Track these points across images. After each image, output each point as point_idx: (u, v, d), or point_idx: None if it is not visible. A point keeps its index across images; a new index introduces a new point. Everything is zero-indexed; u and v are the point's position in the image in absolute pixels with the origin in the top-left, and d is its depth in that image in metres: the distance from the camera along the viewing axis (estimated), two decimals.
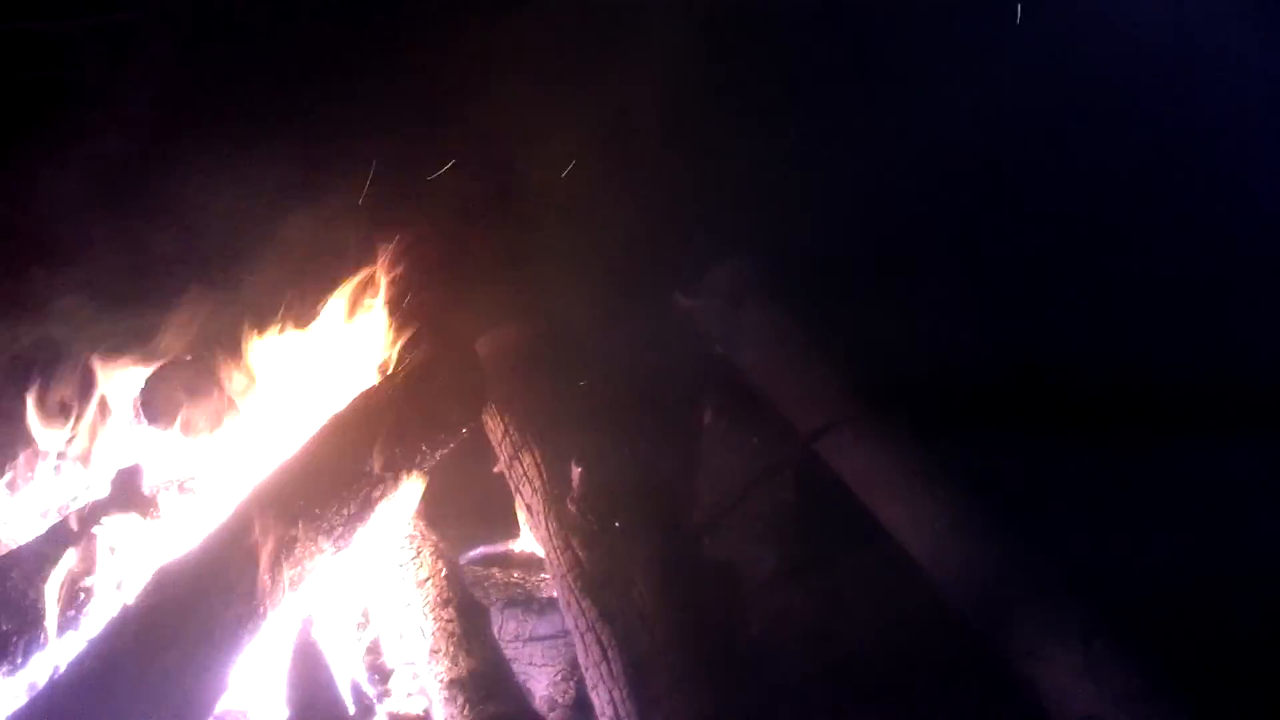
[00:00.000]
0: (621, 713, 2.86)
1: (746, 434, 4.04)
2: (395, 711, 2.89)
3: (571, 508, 3.20)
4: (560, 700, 3.31)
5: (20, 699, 2.66)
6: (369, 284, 3.52)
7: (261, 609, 2.69)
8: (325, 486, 2.92)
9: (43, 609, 2.70)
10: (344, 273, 3.54)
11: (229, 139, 4.20)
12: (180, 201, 4.27)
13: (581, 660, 3.02)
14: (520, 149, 4.33)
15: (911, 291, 4.12)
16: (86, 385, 3.31)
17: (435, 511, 3.39)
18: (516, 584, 3.55)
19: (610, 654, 2.93)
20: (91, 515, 2.94)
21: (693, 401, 4.16)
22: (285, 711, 2.77)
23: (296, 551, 2.80)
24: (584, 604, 3.04)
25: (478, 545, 3.69)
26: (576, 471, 3.24)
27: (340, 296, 3.48)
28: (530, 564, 3.60)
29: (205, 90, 4.51)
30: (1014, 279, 4.15)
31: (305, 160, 4.21)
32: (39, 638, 2.70)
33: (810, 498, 3.80)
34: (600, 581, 3.04)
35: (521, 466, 3.44)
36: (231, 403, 3.26)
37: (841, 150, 4.23)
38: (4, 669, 2.65)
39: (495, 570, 3.61)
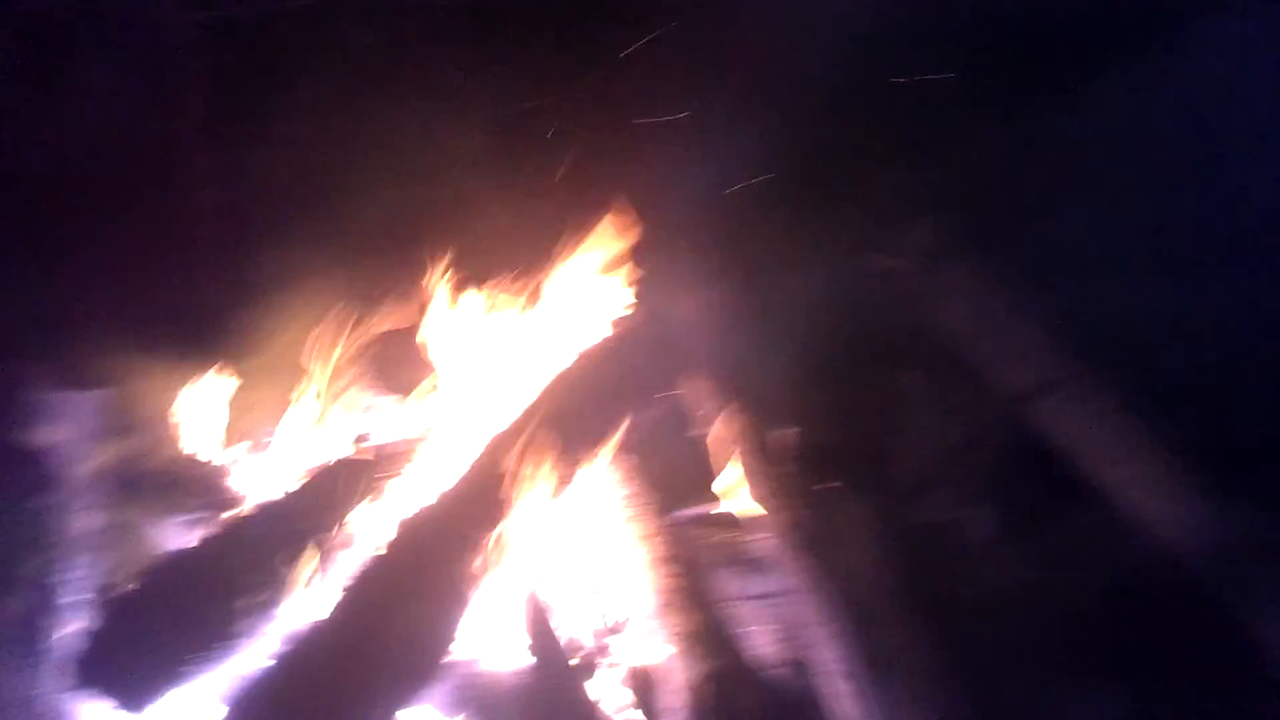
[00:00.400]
0: (853, 671, 2.89)
1: (952, 396, 3.97)
2: (623, 663, 2.95)
3: (787, 467, 3.22)
4: (777, 657, 3.33)
5: (276, 645, 2.83)
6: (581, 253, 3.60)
7: (491, 561, 2.81)
8: (549, 442, 3.01)
9: (298, 560, 2.83)
10: (554, 244, 3.62)
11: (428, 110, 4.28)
12: (382, 179, 4.37)
13: (800, 619, 3.05)
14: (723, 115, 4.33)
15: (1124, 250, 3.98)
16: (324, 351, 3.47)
17: (652, 470, 3.46)
18: (731, 543, 3.58)
19: (833, 612, 2.96)
20: (323, 475, 3.12)
21: (894, 363, 4.11)
22: (516, 657, 2.86)
23: (520, 507, 2.91)
24: (803, 563, 3.07)
25: (692, 505, 3.73)
26: (791, 431, 3.25)
27: (554, 266, 3.57)
28: (744, 524, 3.63)
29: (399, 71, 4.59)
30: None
31: (507, 130, 4.27)
32: (284, 589, 2.84)
33: (1022, 459, 3.72)
34: (819, 541, 3.06)
35: (735, 426, 3.47)
36: (457, 365, 3.38)
37: (1044, 100, 4.09)
38: (251, 619, 2.80)
39: (710, 529, 3.64)
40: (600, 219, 3.63)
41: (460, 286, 3.54)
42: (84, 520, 3.04)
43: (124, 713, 2.65)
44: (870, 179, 4.27)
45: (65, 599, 2.88)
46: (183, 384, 3.50)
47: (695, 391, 3.52)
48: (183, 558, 2.86)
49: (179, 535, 3.19)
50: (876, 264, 4.22)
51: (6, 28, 3.94)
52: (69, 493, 2.95)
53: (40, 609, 2.80)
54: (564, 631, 2.93)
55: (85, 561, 2.99)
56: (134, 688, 2.63)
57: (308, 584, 2.85)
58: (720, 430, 3.49)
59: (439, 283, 3.55)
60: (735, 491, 3.68)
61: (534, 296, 3.50)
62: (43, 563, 2.83)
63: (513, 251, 3.67)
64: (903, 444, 3.88)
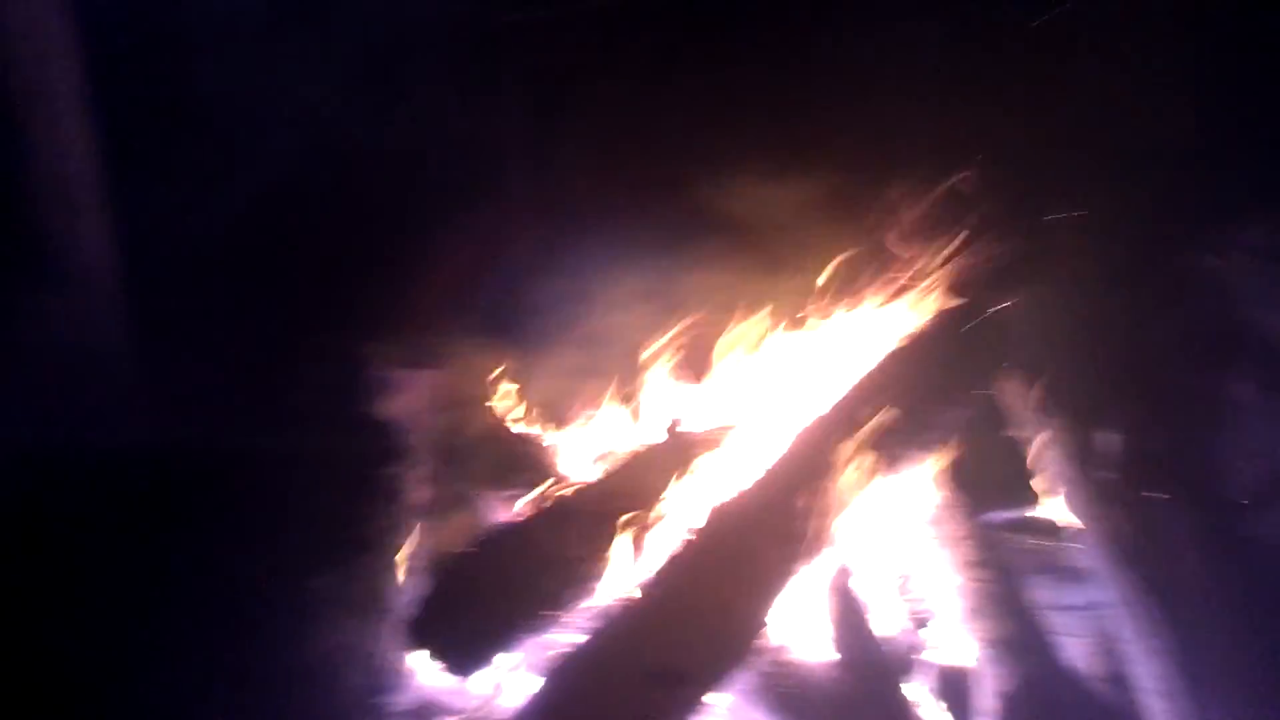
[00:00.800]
0: (1167, 690, 2.76)
1: None
2: (935, 663, 2.92)
3: (1109, 475, 3.10)
4: (1090, 671, 3.21)
5: (592, 620, 2.94)
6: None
7: (804, 552, 2.83)
8: (858, 436, 3.00)
9: (609, 540, 2.94)
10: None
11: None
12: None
13: (1121, 633, 2.93)
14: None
15: None
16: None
17: (962, 472, 3.40)
18: (1044, 551, 3.47)
19: (1157, 628, 2.83)
20: (645, 457, 3.21)
21: (1222, 369, 3.87)
22: (823, 650, 2.88)
23: (834, 500, 2.91)
24: (1126, 575, 2.95)
25: (1004, 509, 3.64)
26: (1114, 437, 3.12)
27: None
28: (1059, 531, 3.51)
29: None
30: None
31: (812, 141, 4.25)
32: (603, 569, 2.94)
33: None
34: (1144, 553, 2.93)
35: (1052, 431, 3.36)
36: (764, 357, 3.42)
37: None
38: (576, 592, 2.91)
39: (1022, 536, 3.55)
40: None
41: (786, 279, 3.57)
42: (419, 491, 3.24)
43: (452, 674, 2.83)
44: (1195, 177, 4.05)
45: (403, 564, 3.08)
46: (510, 366, 3.68)
47: (1014, 391, 3.42)
48: (507, 530, 3.04)
49: (504, 509, 3.37)
50: (1204, 264, 3.99)
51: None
52: (408, 464, 3.15)
53: (382, 572, 3.00)
54: (874, 628, 2.91)
55: (420, 529, 3.19)
56: (462, 652, 2.81)
57: (623, 563, 2.94)
58: (1039, 432, 3.39)
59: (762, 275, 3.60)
60: (1052, 497, 3.58)
61: (857, 287, 3.48)
62: (385, 529, 3.03)
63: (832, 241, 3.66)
64: (1234, 454, 3.66)
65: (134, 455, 3.35)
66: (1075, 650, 3.17)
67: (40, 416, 3.60)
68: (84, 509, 3.38)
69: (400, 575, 3.07)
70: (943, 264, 3.42)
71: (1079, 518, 3.18)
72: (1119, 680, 3.04)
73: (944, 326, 3.31)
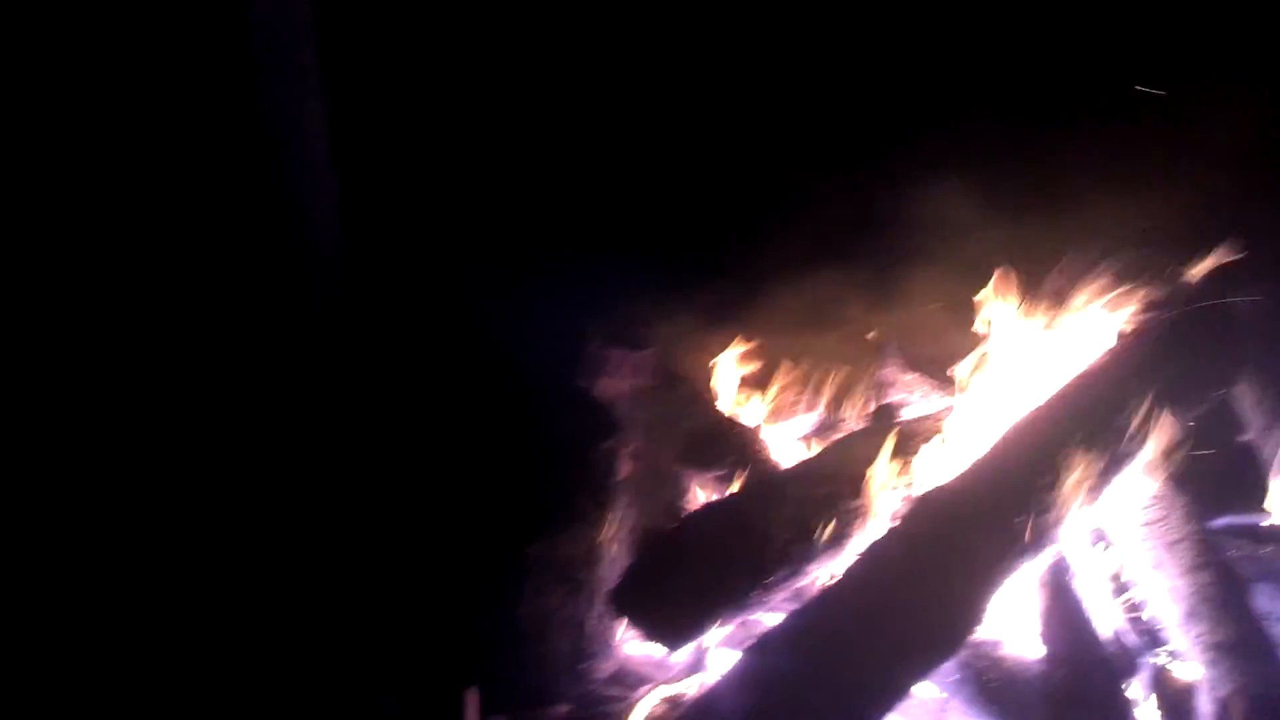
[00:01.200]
0: None
1: None
2: (1160, 666, 2.84)
3: None
4: None
5: (791, 603, 2.96)
6: None
7: (1018, 548, 2.78)
8: (1081, 435, 2.93)
9: (819, 524, 2.95)
10: None
11: None
12: None
13: None
14: None
15: None
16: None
17: (1181, 474, 3.29)
18: (1266, 559, 3.34)
19: None
20: (851, 446, 3.21)
21: None
22: (1040, 648, 2.83)
23: (1049, 497, 2.85)
24: None
25: (1228, 514, 3.51)
26: None
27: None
28: None
29: None
30: None
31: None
32: (813, 550, 2.96)
33: None
34: None
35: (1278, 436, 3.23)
36: (990, 348, 3.38)
37: None
38: (783, 573, 2.93)
39: (1243, 542, 3.42)
40: None
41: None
42: (630, 466, 3.32)
43: (658, 644, 2.89)
44: None
45: (613, 536, 3.17)
46: (722, 349, 3.74)
47: (1246, 393, 3.30)
48: (717, 508, 3.08)
49: (713, 488, 3.42)
50: None
51: None
52: (621, 440, 3.23)
53: (592, 543, 3.09)
54: (1091, 628, 2.85)
55: (631, 504, 3.27)
56: (667, 624, 2.84)
57: (833, 547, 2.95)
58: (1257, 437, 3.26)
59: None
60: (1272, 505, 3.43)
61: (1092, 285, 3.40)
62: (597, 501, 3.12)
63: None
64: None
65: (359, 428, 3.53)
66: None
67: (280, 388, 3.83)
68: (314, 482, 3.60)
69: (610, 547, 3.16)
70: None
71: None
72: None
73: (1178, 326, 3.19)
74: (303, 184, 4.02)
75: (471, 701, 2.71)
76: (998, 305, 3.42)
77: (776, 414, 3.68)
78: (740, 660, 2.64)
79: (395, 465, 3.21)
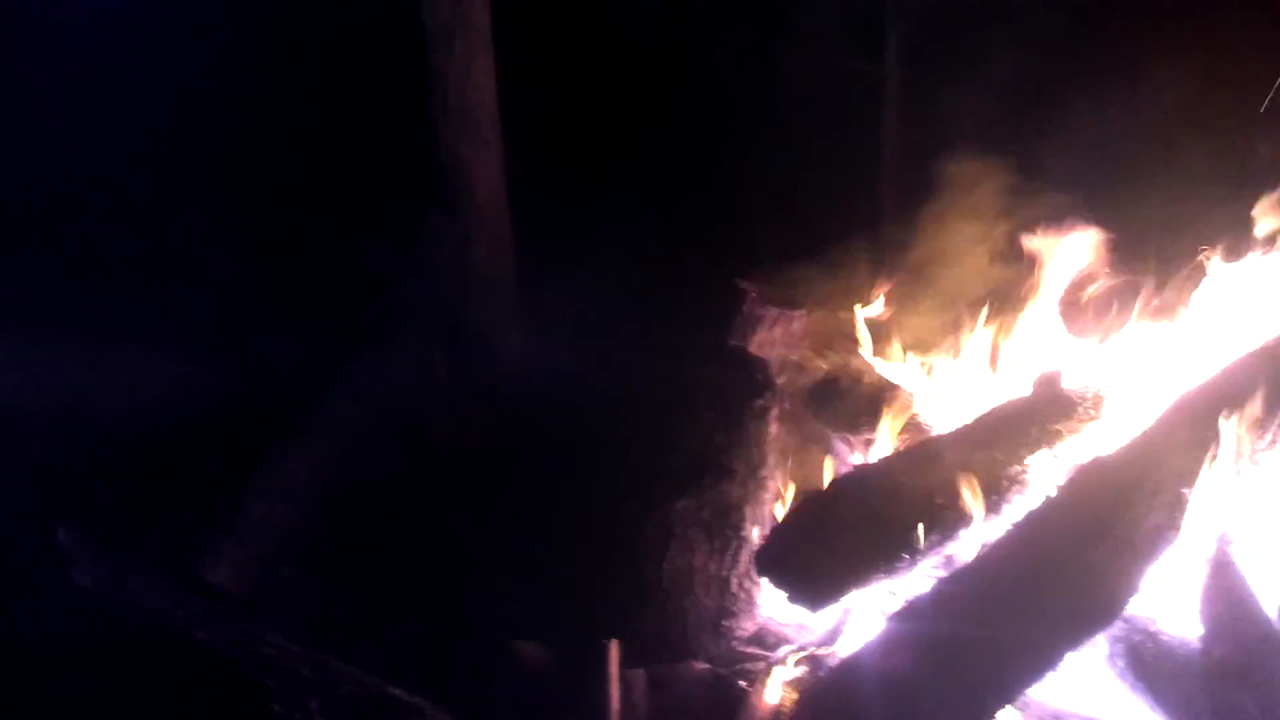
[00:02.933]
0: None
1: None
2: None
3: None
4: None
5: (942, 570, 2.91)
6: None
7: (1181, 521, 2.70)
8: (1247, 402, 2.82)
9: (970, 490, 2.89)
10: None
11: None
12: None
13: None
14: None
15: None
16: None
17: None
18: None
19: None
20: (1012, 412, 3.13)
21: None
22: (1198, 625, 2.73)
23: (1214, 469, 2.75)
24: None
25: None
26: None
27: None
28: None
29: None
30: None
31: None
32: (965, 517, 2.89)
33: None
34: None
35: None
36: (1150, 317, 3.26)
37: None
38: (934, 539, 2.88)
39: None
40: None
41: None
42: (781, 426, 3.30)
43: (799, 606, 2.87)
44: None
45: (762, 495, 3.16)
46: (871, 311, 3.68)
47: None
48: (867, 472, 3.03)
49: (863, 450, 3.38)
50: None
51: None
52: (772, 400, 3.21)
53: (740, 501, 3.09)
54: (1255, 606, 2.73)
55: (780, 463, 3.26)
56: (813, 587, 2.79)
57: (989, 514, 2.89)
58: None
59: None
60: None
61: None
62: (747, 459, 3.11)
63: None
64: None
65: (514, 376, 3.60)
66: None
67: (430, 333, 3.93)
68: (460, 425, 3.69)
69: (758, 507, 3.15)
70: None
71: None
72: None
73: None
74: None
75: (613, 652, 2.74)
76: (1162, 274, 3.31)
77: (935, 376, 3.61)
78: (885, 626, 2.62)
79: (548, 413, 3.26)
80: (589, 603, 3.01)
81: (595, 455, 3.02)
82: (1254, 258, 3.28)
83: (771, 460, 3.20)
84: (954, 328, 3.62)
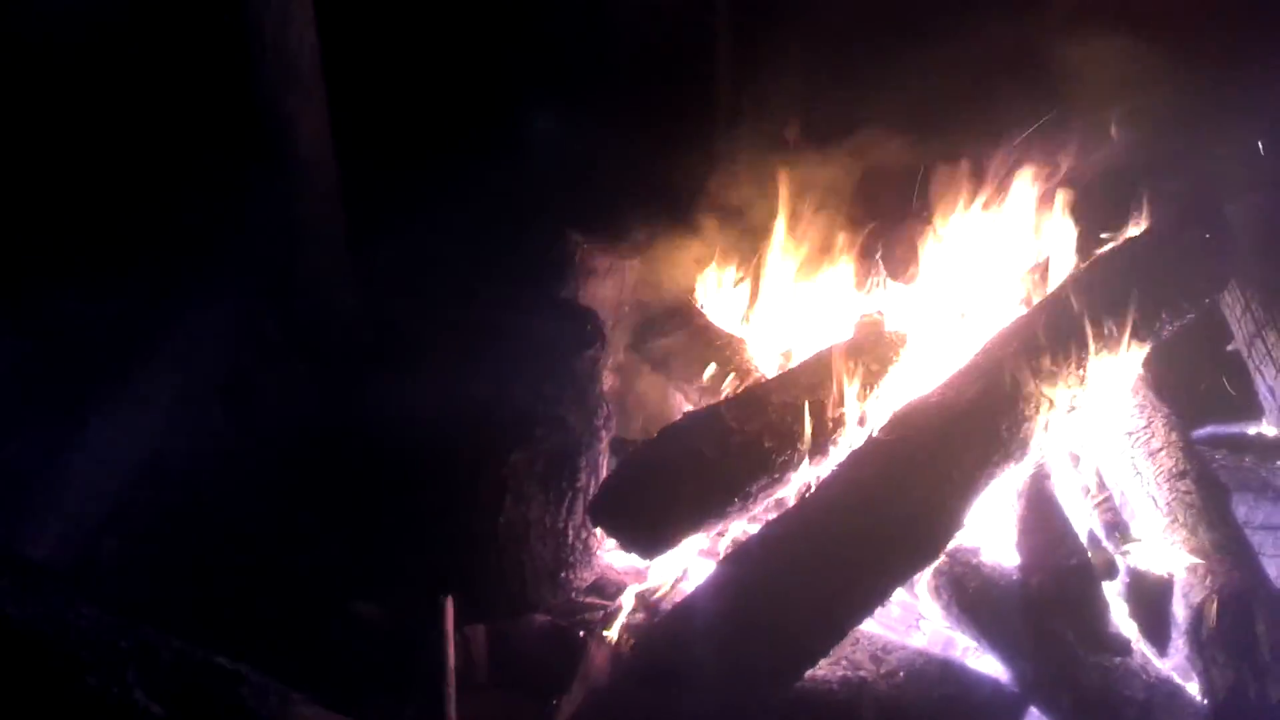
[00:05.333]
0: None
1: None
2: (1138, 567, 2.85)
3: None
4: None
5: (772, 513, 2.96)
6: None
7: (998, 456, 2.78)
8: (1064, 344, 2.92)
9: (800, 433, 2.94)
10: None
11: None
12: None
13: None
14: None
15: None
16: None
17: (1163, 383, 3.28)
18: (1248, 469, 3.33)
19: None
20: (834, 355, 3.18)
21: None
22: (1016, 555, 2.84)
23: (1032, 405, 2.85)
24: None
25: (1206, 424, 3.51)
26: None
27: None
28: (1265, 449, 3.37)
29: None
30: None
31: None
32: (794, 459, 2.95)
33: None
34: None
35: (1264, 345, 3.22)
36: (961, 258, 3.35)
37: None
38: (763, 482, 2.92)
39: (1224, 452, 3.41)
40: None
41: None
42: (613, 376, 3.31)
43: (635, 555, 2.88)
44: None
45: (594, 443, 3.16)
46: (710, 258, 3.69)
47: (1232, 302, 3.27)
48: (698, 418, 3.03)
49: (696, 398, 3.41)
50: None
51: None
52: (604, 350, 3.21)
53: (573, 450, 3.08)
54: (1069, 536, 2.85)
55: (613, 412, 3.26)
56: (647, 535, 2.79)
57: (816, 455, 2.94)
58: (1256, 346, 3.24)
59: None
60: (1254, 414, 3.43)
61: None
62: (579, 409, 3.10)
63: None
64: None
65: (343, 334, 3.51)
66: (1277, 571, 3.06)
67: (257, 288, 3.80)
68: (288, 385, 3.58)
69: (592, 457, 3.15)
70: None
71: None
72: None
73: (1165, 235, 3.16)
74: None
75: (448, 609, 2.71)
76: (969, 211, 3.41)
77: (761, 322, 3.65)
78: (717, 569, 2.66)
79: (377, 371, 3.19)
80: (423, 560, 2.97)
81: (426, 412, 2.97)
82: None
83: (605, 410, 3.20)
84: (783, 274, 3.67)
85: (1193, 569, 2.73)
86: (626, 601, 2.97)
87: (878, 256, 3.50)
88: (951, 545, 2.79)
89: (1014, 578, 2.79)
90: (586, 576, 3.17)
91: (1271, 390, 3.17)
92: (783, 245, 3.70)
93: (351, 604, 2.98)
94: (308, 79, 3.89)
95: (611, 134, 4.06)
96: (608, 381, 3.41)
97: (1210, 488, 2.95)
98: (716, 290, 3.75)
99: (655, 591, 3.02)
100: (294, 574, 3.05)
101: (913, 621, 3.02)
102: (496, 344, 3.10)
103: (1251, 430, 3.48)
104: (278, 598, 3.00)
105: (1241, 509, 3.19)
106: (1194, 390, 3.46)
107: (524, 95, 4.34)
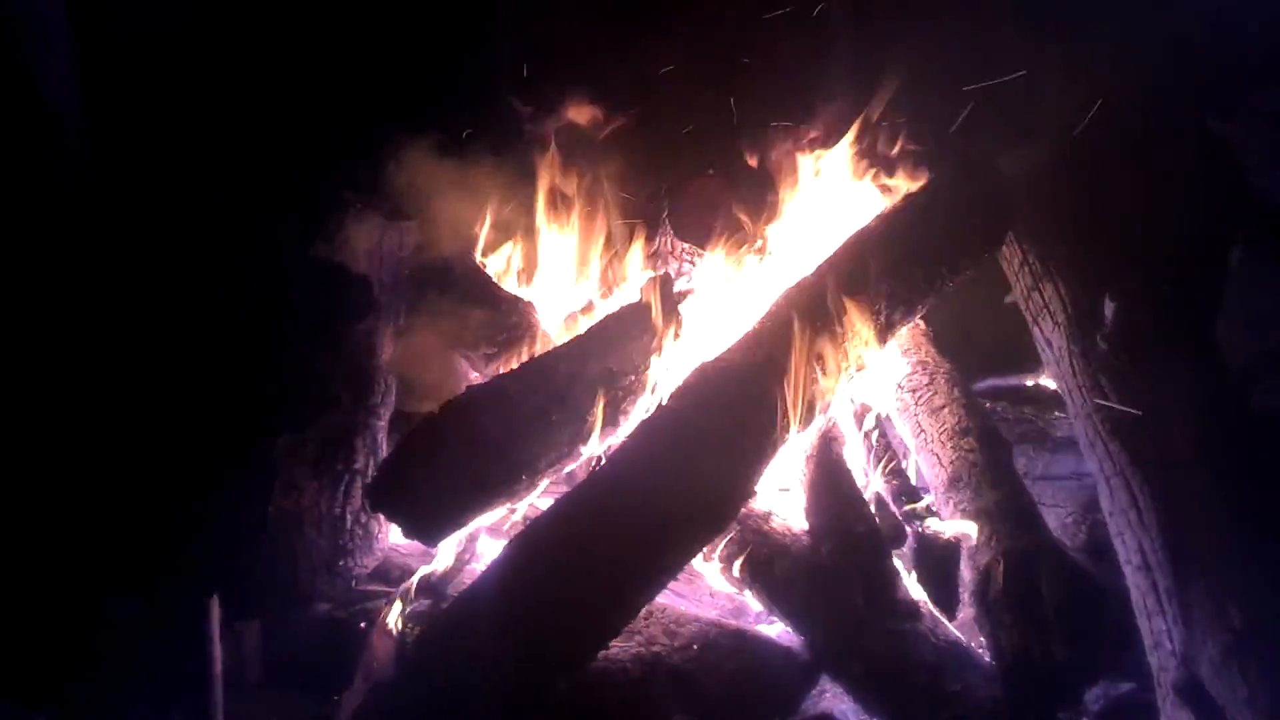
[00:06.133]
0: (1151, 563, 2.72)
1: None
2: (925, 531, 2.87)
3: (1101, 344, 3.00)
4: (1070, 542, 3.18)
5: (564, 486, 2.86)
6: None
7: (788, 423, 2.74)
8: (848, 306, 2.89)
9: (589, 404, 2.83)
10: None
11: None
12: None
13: (1105, 505, 2.88)
14: None
15: None
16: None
17: (945, 339, 3.31)
18: (1027, 420, 3.42)
19: (1141, 502, 2.77)
20: (623, 320, 3.08)
21: (1225, 238, 3.75)
22: (806, 520, 2.82)
23: (818, 368, 2.82)
24: (1111, 447, 2.88)
25: (987, 378, 3.57)
26: (1109, 306, 3.02)
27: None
28: (1043, 400, 3.45)
29: None
30: None
31: None
32: (584, 431, 2.84)
33: None
34: (1132, 424, 2.85)
35: (1042, 298, 3.25)
36: (755, 222, 3.29)
37: None
38: (552, 456, 2.82)
39: (1004, 405, 3.49)
40: None
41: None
42: (392, 346, 3.14)
43: (418, 539, 2.74)
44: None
45: (373, 422, 2.99)
46: (494, 219, 3.53)
47: (1009, 254, 3.29)
48: (481, 392, 2.89)
49: (481, 367, 3.26)
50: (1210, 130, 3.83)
51: None
52: (381, 319, 3.03)
53: (350, 431, 2.91)
54: (857, 500, 2.84)
55: (392, 386, 3.10)
56: (429, 518, 2.65)
57: (607, 426, 2.85)
58: (1034, 298, 3.28)
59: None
60: (1033, 366, 3.50)
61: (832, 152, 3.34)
62: (355, 385, 2.93)
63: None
64: (1233, 322, 3.57)
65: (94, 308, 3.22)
66: (1058, 521, 3.14)
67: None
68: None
69: (370, 437, 2.98)
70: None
71: (1064, 387, 3.09)
72: (1098, 552, 3.02)
73: (940, 189, 3.17)
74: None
75: (213, 606, 2.53)
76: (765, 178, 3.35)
77: (548, 287, 3.51)
78: (505, 550, 2.54)
79: (132, 349, 2.93)
80: (186, 554, 2.76)
81: (183, 396, 2.74)
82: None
83: (381, 384, 3.02)
84: (570, 238, 3.55)
85: (978, 530, 2.76)
86: (411, 588, 2.83)
87: (664, 217, 3.41)
88: (742, 513, 2.77)
89: (805, 544, 2.77)
90: (368, 563, 3.01)
91: (1048, 342, 3.22)
92: (554, 208, 3.58)
93: (108, 603, 2.74)
94: (51, 27, 3.59)
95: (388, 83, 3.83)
96: (386, 352, 3.22)
97: (992, 444, 3.00)
98: (501, 253, 3.60)
99: (442, 575, 2.88)
100: (43, 571, 2.80)
101: (706, 591, 2.98)
102: (260, 319, 2.88)
103: (1030, 382, 3.56)
104: (23, 597, 2.74)
105: (1022, 460, 3.28)
106: (974, 343, 3.50)
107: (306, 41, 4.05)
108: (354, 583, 2.96)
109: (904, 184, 3.26)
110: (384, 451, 3.01)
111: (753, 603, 2.88)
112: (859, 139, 3.29)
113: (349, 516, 2.92)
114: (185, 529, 2.74)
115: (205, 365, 2.77)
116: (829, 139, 3.37)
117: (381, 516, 2.88)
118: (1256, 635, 2.52)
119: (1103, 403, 2.90)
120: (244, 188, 3.25)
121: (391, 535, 3.10)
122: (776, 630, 2.84)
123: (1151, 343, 2.97)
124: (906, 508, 2.90)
